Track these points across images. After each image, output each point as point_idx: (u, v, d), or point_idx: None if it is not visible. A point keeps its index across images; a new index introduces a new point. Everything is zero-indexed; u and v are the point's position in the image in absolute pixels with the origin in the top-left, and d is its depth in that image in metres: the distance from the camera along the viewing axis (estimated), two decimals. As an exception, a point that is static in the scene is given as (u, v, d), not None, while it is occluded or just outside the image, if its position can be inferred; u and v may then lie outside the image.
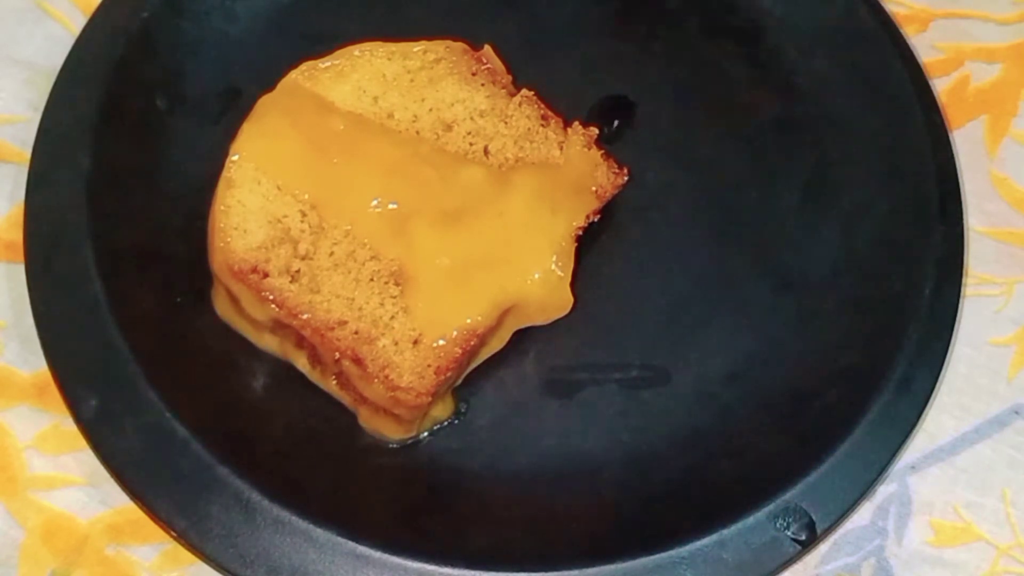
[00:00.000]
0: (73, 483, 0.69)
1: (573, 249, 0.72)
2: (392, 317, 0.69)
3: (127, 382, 0.67)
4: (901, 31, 0.82)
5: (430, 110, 0.74)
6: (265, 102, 0.72)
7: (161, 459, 0.66)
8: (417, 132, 0.74)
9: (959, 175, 0.78)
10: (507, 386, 0.73)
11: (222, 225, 0.69)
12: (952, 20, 0.88)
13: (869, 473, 0.69)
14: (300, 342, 0.69)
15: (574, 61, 0.82)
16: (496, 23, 0.82)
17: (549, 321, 0.73)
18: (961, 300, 0.75)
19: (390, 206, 0.71)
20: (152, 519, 0.66)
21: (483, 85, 0.75)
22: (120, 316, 0.68)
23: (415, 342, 0.68)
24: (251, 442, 0.68)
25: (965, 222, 0.78)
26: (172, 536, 0.66)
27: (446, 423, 0.71)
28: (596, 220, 0.74)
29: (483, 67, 0.76)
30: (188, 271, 0.71)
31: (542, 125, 0.75)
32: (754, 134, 0.80)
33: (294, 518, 0.65)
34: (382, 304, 0.69)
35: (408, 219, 0.70)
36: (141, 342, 0.68)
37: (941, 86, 0.85)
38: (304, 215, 0.70)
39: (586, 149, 0.75)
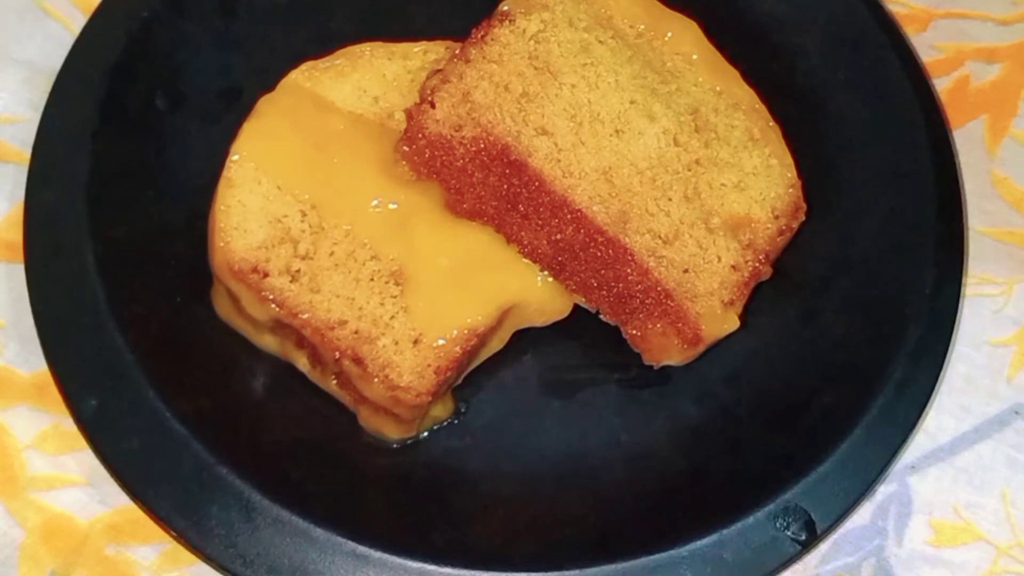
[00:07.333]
0: (73, 483, 0.69)
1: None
2: (392, 317, 0.69)
3: (127, 382, 0.67)
4: (901, 31, 0.82)
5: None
6: (265, 102, 0.72)
7: (161, 459, 0.66)
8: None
9: (959, 175, 0.78)
10: (507, 386, 0.73)
11: (222, 225, 0.69)
12: (952, 20, 0.88)
13: (869, 473, 0.69)
14: (300, 342, 0.69)
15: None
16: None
17: (549, 323, 0.73)
18: (961, 300, 0.75)
19: (390, 206, 0.71)
20: (152, 519, 0.66)
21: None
22: (120, 316, 0.69)
23: (415, 342, 0.68)
24: (251, 442, 0.68)
25: (965, 222, 0.78)
26: (172, 536, 0.66)
27: (446, 423, 0.71)
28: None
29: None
30: (188, 271, 0.71)
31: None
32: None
33: (294, 518, 0.65)
34: (382, 304, 0.69)
35: (408, 219, 0.70)
36: (141, 342, 0.68)
37: (941, 86, 0.85)
38: (304, 215, 0.70)
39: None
